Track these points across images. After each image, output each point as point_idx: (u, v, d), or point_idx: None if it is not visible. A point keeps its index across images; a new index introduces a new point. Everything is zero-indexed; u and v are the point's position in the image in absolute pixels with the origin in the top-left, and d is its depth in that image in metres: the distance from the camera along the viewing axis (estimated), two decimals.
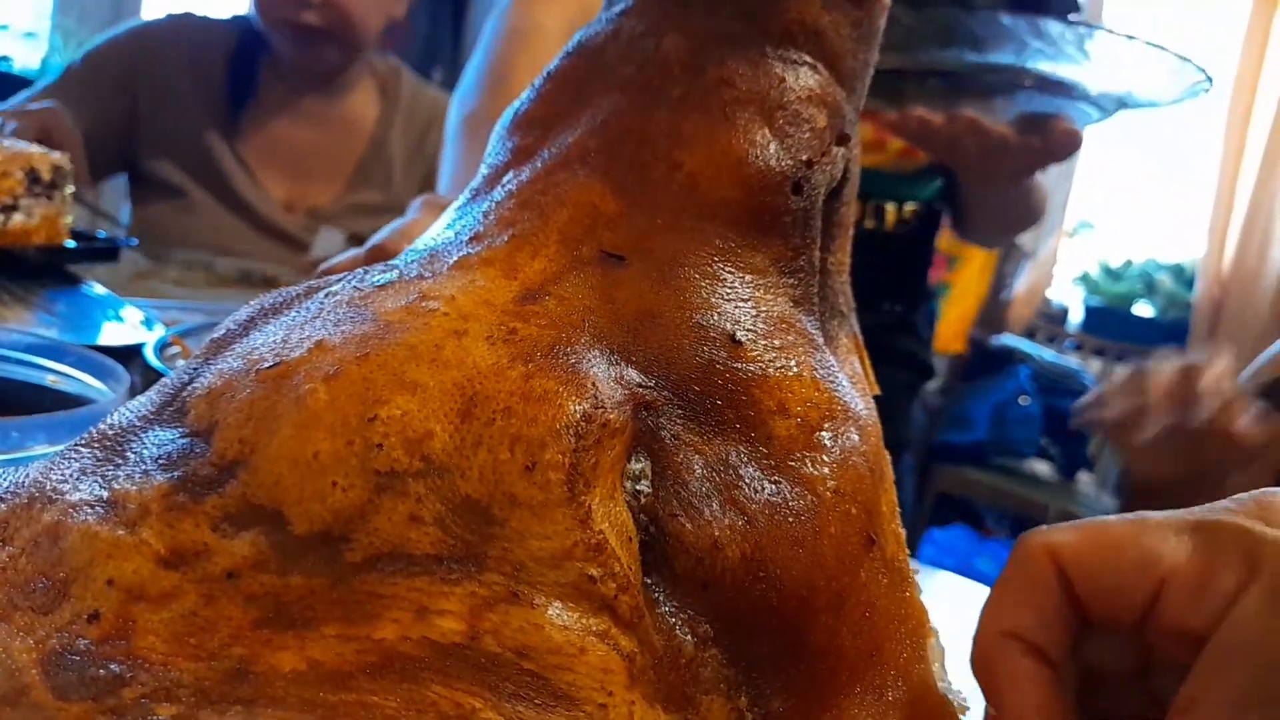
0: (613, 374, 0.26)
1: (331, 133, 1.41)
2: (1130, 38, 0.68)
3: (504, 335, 0.26)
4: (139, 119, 1.35)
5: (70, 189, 0.88)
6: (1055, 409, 2.72)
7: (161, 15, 1.44)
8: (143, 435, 0.27)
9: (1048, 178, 1.05)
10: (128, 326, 0.79)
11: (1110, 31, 0.69)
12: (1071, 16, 0.96)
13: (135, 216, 1.39)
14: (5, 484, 0.27)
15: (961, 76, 0.76)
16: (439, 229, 0.33)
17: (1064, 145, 0.82)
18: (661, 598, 0.25)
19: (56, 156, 0.86)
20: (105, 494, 0.25)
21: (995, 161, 0.87)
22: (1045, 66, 0.72)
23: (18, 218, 0.83)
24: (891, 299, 1.15)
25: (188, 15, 1.42)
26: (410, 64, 1.57)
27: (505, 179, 0.33)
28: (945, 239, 1.27)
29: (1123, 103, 0.77)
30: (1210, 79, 0.73)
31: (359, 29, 1.32)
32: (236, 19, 1.41)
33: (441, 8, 2.82)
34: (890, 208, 1.07)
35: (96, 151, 1.23)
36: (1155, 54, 0.70)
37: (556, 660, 0.22)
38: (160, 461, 0.25)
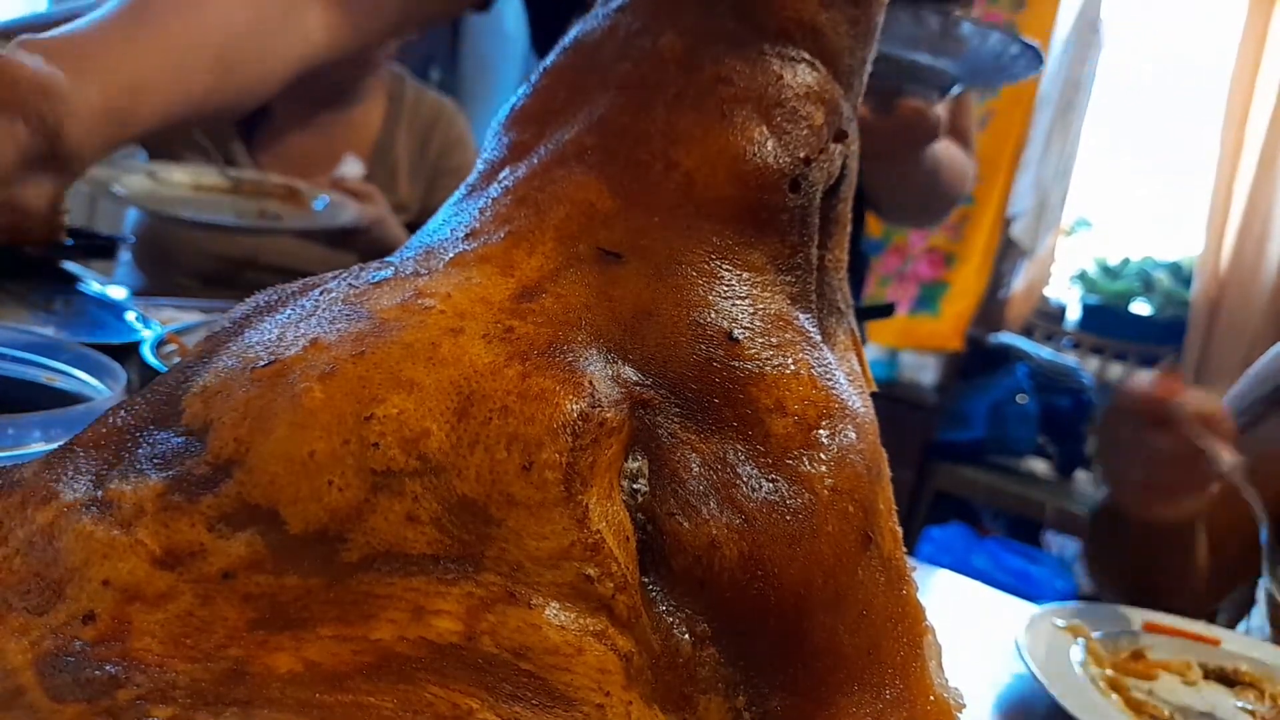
0: (610, 372, 0.26)
1: (339, 138, 1.41)
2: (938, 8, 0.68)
3: (501, 333, 0.26)
4: None
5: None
6: (1053, 407, 2.72)
7: None
8: (138, 434, 0.27)
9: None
10: (125, 324, 0.79)
11: None
12: None
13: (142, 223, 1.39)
14: (0, 482, 0.26)
15: None
16: (434, 224, 0.33)
17: (916, 124, 0.83)
18: (659, 597, 0.25)
19: None
20: (100, 493, 0.25)
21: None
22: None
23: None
24: None
25: None
26: (408, 65, 1.58)
27: (502, 175, 0.32)
28: (941, 237, 1.27)
29: (954, 79, 0.76)
30: (1040, 55, 0.72)
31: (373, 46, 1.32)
32: None
33: None
34: None
35: None
36: (974, 28, 0.69)
37: (554, 660, 0.22)
38: (156, 461, 0.25)
